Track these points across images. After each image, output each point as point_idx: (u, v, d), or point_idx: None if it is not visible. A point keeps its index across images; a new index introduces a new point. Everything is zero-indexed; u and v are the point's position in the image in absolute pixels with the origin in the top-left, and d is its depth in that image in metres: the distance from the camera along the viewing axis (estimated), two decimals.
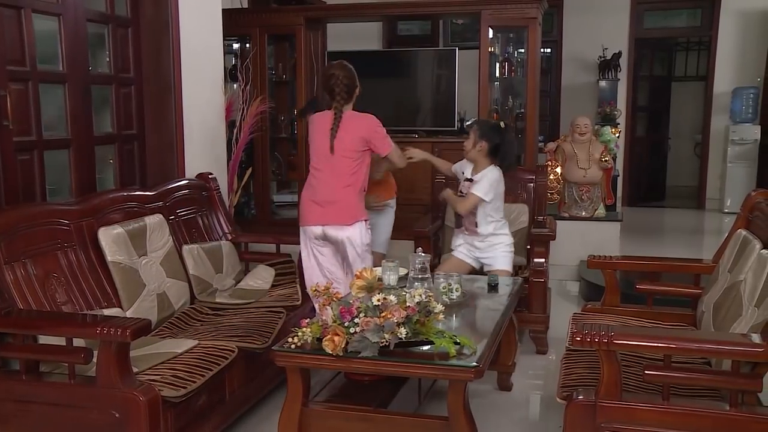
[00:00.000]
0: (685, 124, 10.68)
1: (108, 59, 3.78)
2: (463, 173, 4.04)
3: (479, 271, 4.02)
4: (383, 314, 2.48)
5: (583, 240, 5.57)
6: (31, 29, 3.23)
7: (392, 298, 2.53)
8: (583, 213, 5.84)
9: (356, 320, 2.48)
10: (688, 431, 2.21)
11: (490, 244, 3.96)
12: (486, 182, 3.83)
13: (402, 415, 2.61)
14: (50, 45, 3.39)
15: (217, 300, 3.63)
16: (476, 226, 3.92)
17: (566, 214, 5.88)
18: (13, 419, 2.55)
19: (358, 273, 2.78)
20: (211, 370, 2.76)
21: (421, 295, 2.57)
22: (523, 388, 3.73)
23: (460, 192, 3.98)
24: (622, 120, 8.57)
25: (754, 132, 8.34)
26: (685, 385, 2.41)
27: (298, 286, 3.82)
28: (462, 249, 4.05)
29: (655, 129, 9.88)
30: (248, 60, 5.49)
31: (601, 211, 5.89)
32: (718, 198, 8.74)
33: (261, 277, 3.89)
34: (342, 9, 6.74)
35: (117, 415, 2.43)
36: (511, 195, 4.36)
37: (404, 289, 2.81)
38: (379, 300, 2.51)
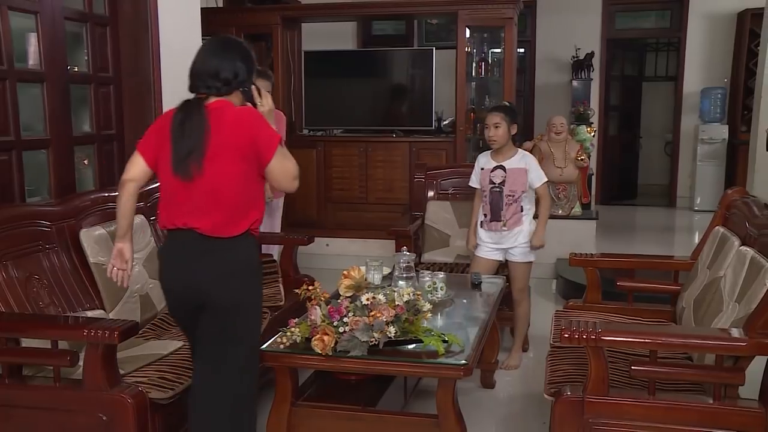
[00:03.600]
0: (656, 123, 10.85)
1: (86, 58, 3.73)
2: (482, 169, 3.92)
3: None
4: (372, 313, 2.49)
5: (560, 238, 5.62)
6: (8, 27, 3.18)
7: (381, 297, 2.55)
8: (560, 211, 5.90)
9: (345, 319, 2.49)
10: (674, 425, 2.26)
11: (526, 233, 3.87)
12: (536, 167, 3.81)
13: (392, 414, 2.62)
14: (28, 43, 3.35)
15: None
16: (522, 211, 3.83)
17: None
18: None
19: (345, 272, 2.78)
20: None
21: (409, 294, 2.59)
22: (505, 385, 3.77)
23: (492, 182, 3.84)
24: (594, 119, 8.69)
25: (722, 131, 8.52)
26: (667, 380, 2.45)
27: (280, 285, 3.80)
28: (487, 246, 3.94)
29: (626, 128, 10.03)
30: None
31: (577, 209, 5.96)
32: (688, 196, 8.91)
33: None
34: (319, 8, 6.74)
35: (104, 418, 2.41)
36: None
37: (388, 287, 2.83)
38: (368, 299, 2.53)
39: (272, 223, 4.81)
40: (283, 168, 2.38)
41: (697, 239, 7.27)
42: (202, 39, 4.55)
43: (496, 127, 3.80)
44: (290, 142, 6.39)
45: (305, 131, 6.69)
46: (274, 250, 4.47)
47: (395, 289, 2.66)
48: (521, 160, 3.82)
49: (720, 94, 8.59)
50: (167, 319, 3.32)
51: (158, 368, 2.69)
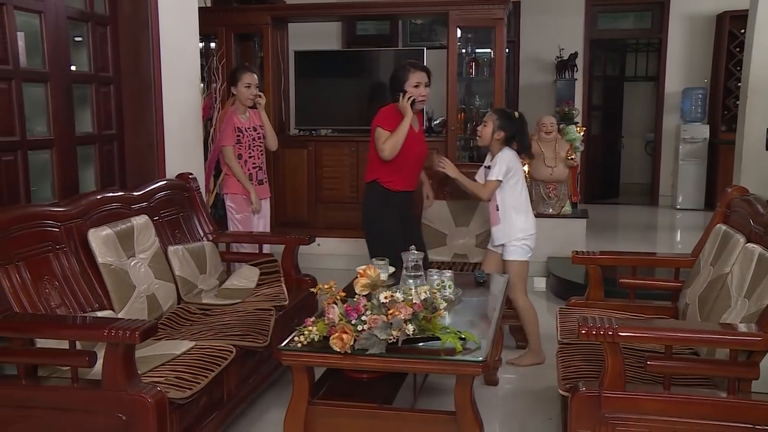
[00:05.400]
0: (636, 123, 11.02)
1: (88, 58, 3.70)
2: (484, 167, 4.04)
3: None
4: (390, 311, 2.51)
5: (550, 237, 5.69)
6: (14, 26, 3.14)
7: (399, 295, 2.57)
8: (551, 210, 5.97)
9: (363, 318, 2.51)
10: (689, 419, 2.30)
11: (505, 230, 3.95)
12: (499, 164, 3.84)
13: (409, 411, 2.64)
14: (32, 43, 3.31)
15: (204, 300, 3.61)
16: (497, 209, 3.93)
17: (534, 212, 5.98)
18: (12, 426, 2.49)
19: (361, 271, 2.80)
20: (212, 370, 2.74)
21: (426, 292, 2.62)
22: (507, 381, 3.81)
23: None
24: (578, 119, 8.79)
25: (704, 131, 8.68)
26: (680, 374, 2.51)
27: (283, 285, 3.82)
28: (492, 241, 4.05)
29: (608, 128, 10.17)
30: (224, 60, 5.43)
31: (567, 208, 6.03)
32: (670, 195, 9.06)
33: (246, 277, 3.87)
34: (308, 8, 6.73)
35: (124, 418, 2.40)
36: None
37: (395, 286, 2.85)
38: (386, 297, 2.55)
39: (264, 222, 4.96)
40: (378, 143, 3.97)
41: (680, 237, 7.47)
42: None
43: (484, 125, 3.95)
44: (280, 142, 6.41)
45: (295, 131, 6.67)
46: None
47: (410, 288, 2.68)
48: (494, 159, 3.93)
49: (701, 95, 8.75)
50: (174, 318, 3.33)
51: (173, 368, 2.69)
